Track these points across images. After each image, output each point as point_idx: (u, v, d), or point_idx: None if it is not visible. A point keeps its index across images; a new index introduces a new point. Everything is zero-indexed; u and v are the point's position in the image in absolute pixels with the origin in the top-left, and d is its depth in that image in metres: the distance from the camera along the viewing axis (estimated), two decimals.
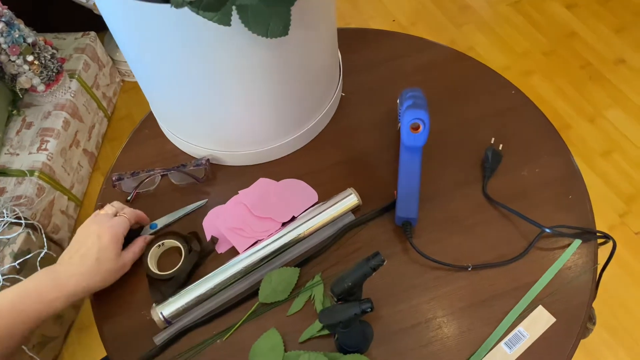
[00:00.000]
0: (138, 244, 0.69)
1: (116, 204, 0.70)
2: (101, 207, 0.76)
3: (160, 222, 0.73)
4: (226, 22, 0.47)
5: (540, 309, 0.63)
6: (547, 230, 0.66)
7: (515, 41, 1.78)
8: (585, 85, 1.65)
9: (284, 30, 0.53)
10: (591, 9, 1.82)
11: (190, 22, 0.52)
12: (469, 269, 0.66)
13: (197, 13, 0.45)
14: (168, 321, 0.64)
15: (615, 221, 1.39)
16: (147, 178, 0.75)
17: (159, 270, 0.69)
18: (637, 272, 1.32)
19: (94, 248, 0.63)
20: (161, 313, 0.64)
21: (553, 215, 0.69)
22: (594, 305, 1.26)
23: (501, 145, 0.74)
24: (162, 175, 0.76)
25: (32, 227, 1.18)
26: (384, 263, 0.55)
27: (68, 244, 1.26)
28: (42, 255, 1.15)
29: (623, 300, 1.28)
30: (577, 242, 0.67)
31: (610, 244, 0.67)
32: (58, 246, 1.36)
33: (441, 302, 0.64)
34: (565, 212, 0.70)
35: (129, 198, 0.76)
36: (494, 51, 1.76)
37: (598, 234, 0.68)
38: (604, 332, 1.24)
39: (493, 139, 0.75)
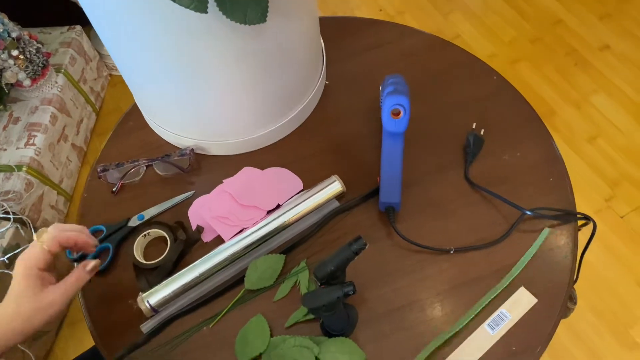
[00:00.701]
0: (75, 274, 0.57)
1: (52, 227, 0.57)
2: (86, 199, 0.77)
3: (148, 214, 0.74)
4: (202, 9, 0.47)
5: (522, 290, 0.64)
6: (528, 212, 0.68)
7: (502, 29, 1.78)
8: (571, 71, 1.66)
9: (261, 17, 0.53)
10: None
11: (167, 10, 0.52)
12: (451, 252, 0.67)
13: (173, 0, 0.46)
14: (155, 309, 0.65)
15: (601, 205, 1.41)
16: (132, 169, 0.75)
17: (145, 260, 0.69)
18: (623, 255, 1.34)
19: (12, 287, 0.54)
20: (148, 301, 0.65)
21: (534, 198, 0.70)
22: (579, 287, 1.27)
23: (483, 130, 0.75)
24: (146, 166, 0.76)
25: (20, 221, 1.18)
26: (366, 247, 0.56)
27: None
28: None
29: (610, 284, 1.30)
30: (546, 231, 0.67)
31: (591, 227, 0.68)
32: None
33: (424, 285, 0.65)
34: (546, 194, 0.71)
35: (114, 189, 0.76)
36: (481, 39, 1.77)
37: (578, 216, 0.69)
38: (591, 315, 1.26)
39: (475, 124, 0.76)
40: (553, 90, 1.62)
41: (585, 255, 0.69)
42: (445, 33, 1.76)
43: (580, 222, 0.70)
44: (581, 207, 1.40)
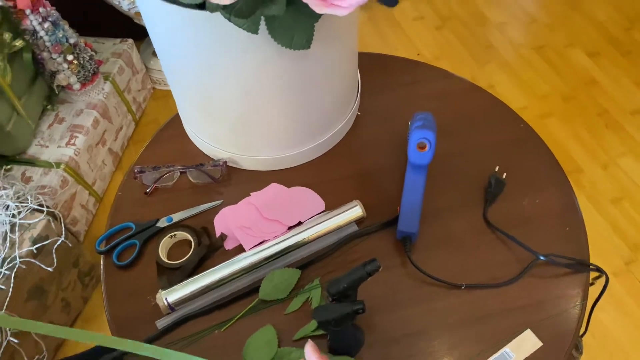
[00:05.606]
0: None
1: None
2: (120, 197, 0.81)
3: (176, 217, 0.78)
4: (254, 30, 0.52)
5: (528, 332, 0.65)
6: (542, 257, 0.69)
7: (536, 84, 1.82)
8: (601, 132, 1.67)
9: (306, 44, 0.57)
10: (613, 59, 1.86)
11: (220, 28, 0.57)
12: (463, 287, 0.68)
13: (229, 19, 0.50)
14: (172, 307, 0.68)
15: (620, 268, 1.40)
16: (166, 173, 0.80)
17: (169, 260, 0.73)
18: None
19: None
20: (166, 299, 0.68)
21: (549, 245, 0.72)
22: (591, 345, 1.25)
23: (505, 174, 0.77)
24: (181, 172, 0.81)
25: (52, 215, 1.24)
26: (379, 269, 0.58)
27: (84, 237, 1.30)
28: (58, 243, 1.19)
29: (624, 348, 1.28)
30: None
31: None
32: (75, 237, 1.42)
33: (433, 316, 0.67)
34: (561, 243, 0.72)
35: (147, 191, 0.80)
36: (514, 91, 1.80)
37: (591, 267, 0.70)
38: None
39: (497, 167, 0.78)
40: (581, 148, 1.64)
41: (600, 317, 0.70)
42: (480, 82, 1.80)
43: (593, 275, 0.71)
44: (599, 265, 1.39)
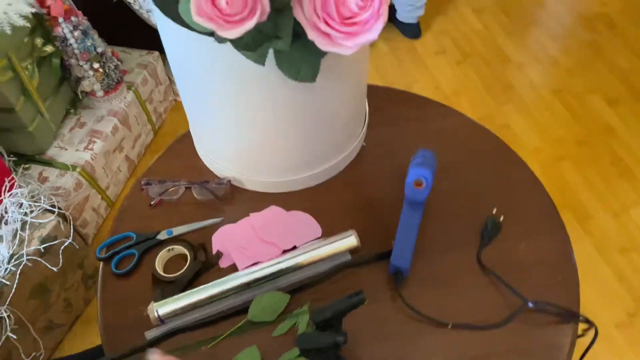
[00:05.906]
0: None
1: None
2: (125, 206, 0.83)
3: (177, 231, 0.80)
4: (261, 62, 0.54)
5: None
6: (530, 304, 0.69)
7: (551, 126, 1.82)
8: (614, 180, 1.66)
9: (312, 78, 0.59)
10: (632, 108, 1.85)
11: (230, 57, 0.59)
12: (449, 326, 0.69)
13: (237, 50, 0.53)
14: (162, 320, 0.70)
15: (623, 320, 1.37)
16: (172, 187, 0.82)
17: (164, 273, 0.74)
18: None
19: None
20: (157, 311, 0.69)
21: (540, 292, 0.72)
22: None
23: (502, 217, 0.78)
24: (186, 188, 0.83)
25: (63, 217, 1.27)
26: (364, 302, 0.59)
27: (92, 240, 1.34)
28: (66, 244, 1.22)
29: None
30: None
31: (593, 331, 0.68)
32: (83, 240, 1.45)
33: (417, 352, 0.67)
34: (553, 291, 0.72)
35: (152, 203, 0.83)
36: (529, 132, 1.80)
37: (580, 319, 0.70)
38: None
39: (495, 209, 0.79)
40: (593, 194, 1.63)
41: None
42: (495, 120, 1.81)
43: (583, 327, 0.71)
44: (602, 317, 1.37)
